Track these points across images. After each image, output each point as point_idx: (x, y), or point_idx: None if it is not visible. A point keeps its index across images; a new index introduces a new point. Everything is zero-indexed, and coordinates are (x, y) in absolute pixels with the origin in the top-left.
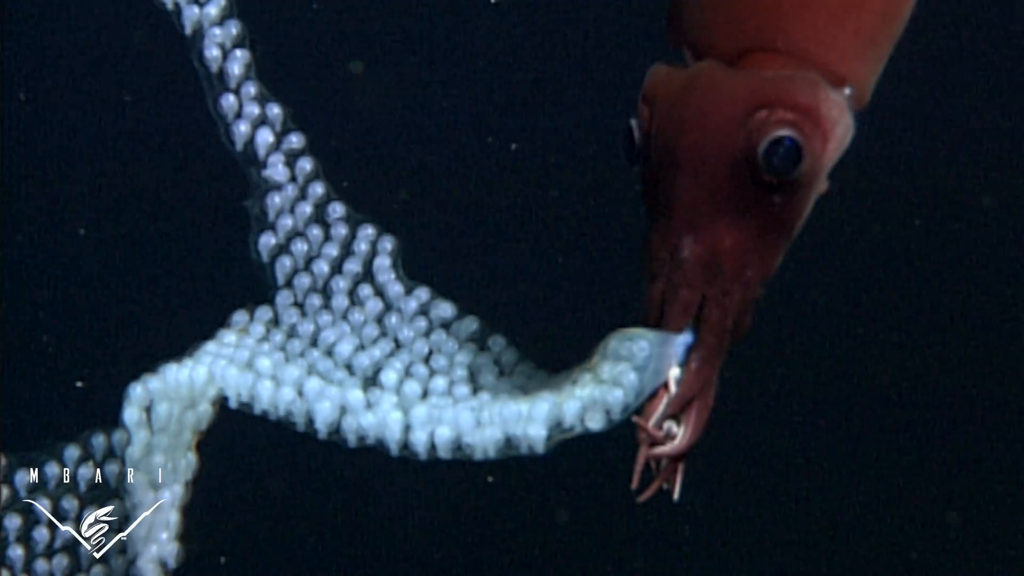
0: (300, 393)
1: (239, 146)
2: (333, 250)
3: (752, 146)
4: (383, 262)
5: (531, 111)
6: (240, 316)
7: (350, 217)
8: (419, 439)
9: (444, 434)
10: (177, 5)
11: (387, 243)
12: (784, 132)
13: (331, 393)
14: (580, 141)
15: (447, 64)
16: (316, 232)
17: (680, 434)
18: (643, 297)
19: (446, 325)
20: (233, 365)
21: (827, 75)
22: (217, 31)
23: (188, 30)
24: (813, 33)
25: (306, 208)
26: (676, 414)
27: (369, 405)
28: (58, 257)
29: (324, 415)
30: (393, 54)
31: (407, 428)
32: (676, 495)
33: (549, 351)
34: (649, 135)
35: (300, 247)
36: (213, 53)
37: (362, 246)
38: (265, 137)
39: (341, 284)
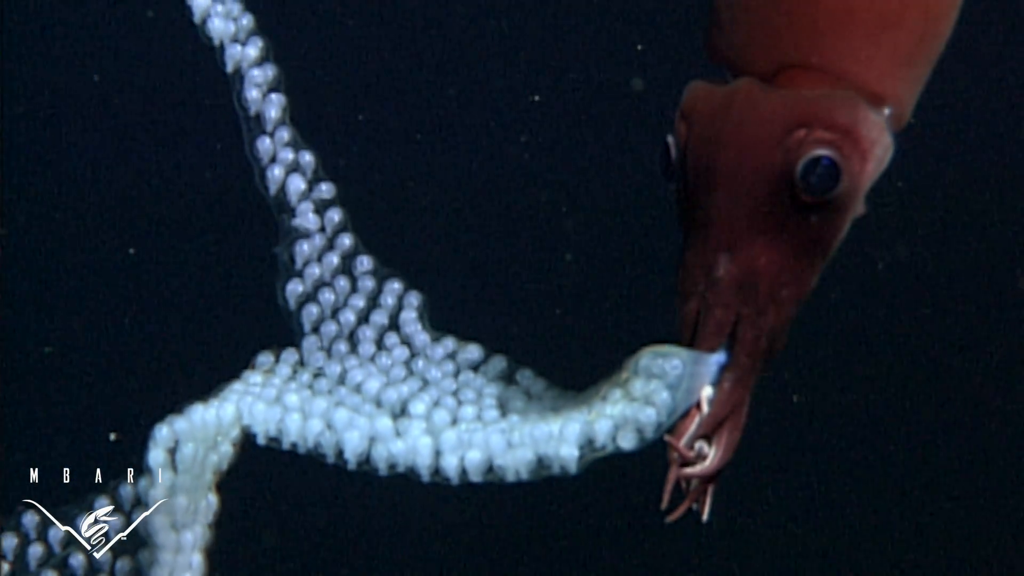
0: (328, 425)
1: (272, 191)
2: (360, 301)
3: (790, 165)
4: (409, 315)
5: (567, 126)
6: (265, 358)
7: (377, 271)
8: (450, 464)
9: (475, 457)
10: (222, 43)
11: (413, 298)
12: (822, 152)
13: (359, 423)
14: (615, 159)
15: (480, 76)
16: (343, 284)
17: (711, 455)
18: (677, 315)
19: (474, 367)
20: (260, 401)
21: (865, 94)
22: (256, 72)
23: (230, 69)
24: (850, 52)
25: (333, 259)
26: (708, 434)
27: (398, 433)
28: (78, 297)
29: (353, 445)
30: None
31: (437, 453)
32: (705, 516)
33: (575, 370)
34: (686, 152)
35: (327, 296)
36: (252, 95)
37: (388, 300)
38: (297, 184)
39: (368, 333)
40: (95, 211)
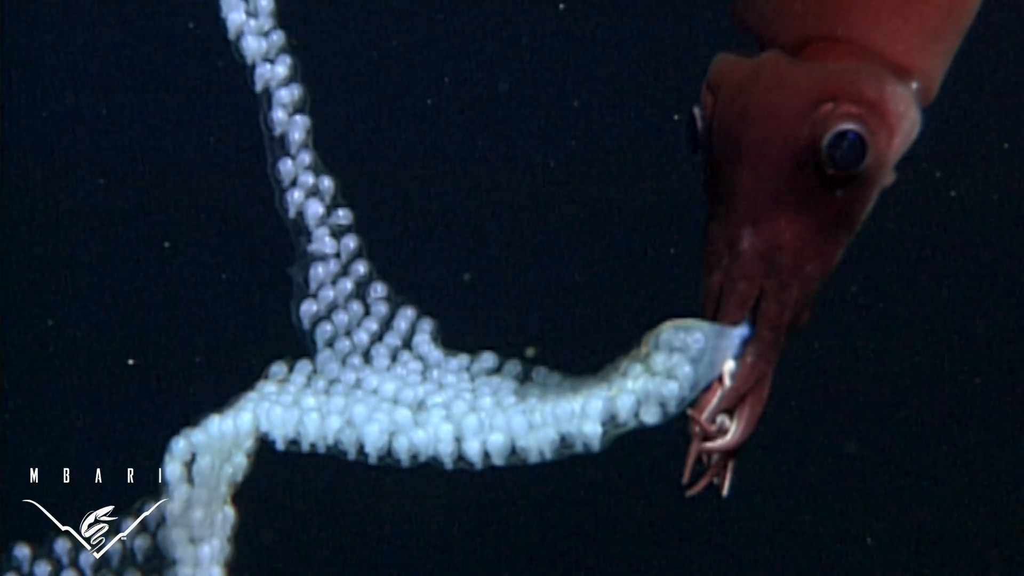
0: (348, 421)
1: (291, 213)
2: (373, 324)
3: (816, 139)
4: (423, 338)
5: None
6: (279, 368)
7: (391, 297)
8: (472, 448)
9: (497, 440)
10: (254, 62)
11: (426, 324)
12: (849, 126)
13: (379, 416)
14: (636, 136)
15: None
16: (356, 308)
17: (733, 429)
18: (700, 288)
19: (489, 373)
20: (278, 405)
21: (892, 67)
22: (284, 93)
23: (259, 87)
24: (877, 24)
25: (347, 284)
26: (730, 408)
27: (418, 423)
28: (89, 311)
29: (374, 438)
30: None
31: (459, 440)
32: (725, 491)
33: (586, 351)
34: (712, 124)
35: (341, 317)
36: (279, 115)
37: (402, 324)
38: (315, 209)
39: (381, 350)
40: (104, 215)
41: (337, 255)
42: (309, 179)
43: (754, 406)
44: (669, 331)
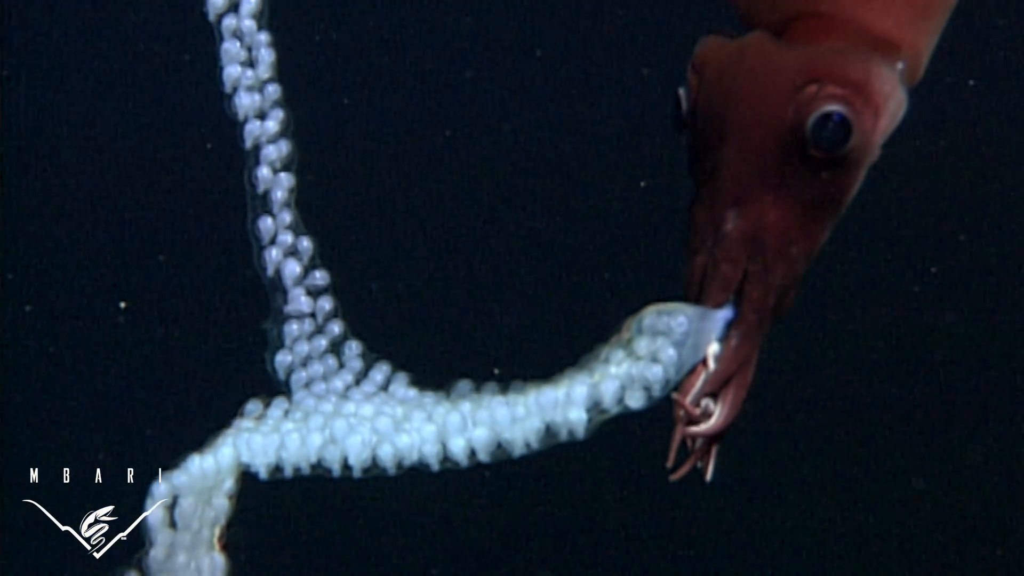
0: (329, 437)
1: (269, 271)
2: (348, 376)
3: (801, 121)
4: (399, 384)
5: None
6: (254, 406)
7: (366, 355)
8: (458, 446)
9: (482, 435)
10: (246, 117)
11: (402, 377)
12: (834, 107)
13: (360, 428)
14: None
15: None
16: (331, 362)
17: (717, 412)
18: (684, 270)
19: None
20: (257, 433)
21: (879, 46)
22: (271, 149)
23: (248, 144)
24: (865, 1)
25: (322, 343)
26: (714, 392)
27: (399, 429)
28: (89, 311)
29: (357, 450)
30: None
31: (443, 439)
32: (709, 476)
33: (569, 342)
34: (696, 105)
35: (316, 368)
36: (263, 173)
37: (377, 377)
38: (292, 268)
39: (357, 396)
40: (105, 213)
41: (313, 315)
42: (288, 239)
43: (738, 389)
44: (652, 315)
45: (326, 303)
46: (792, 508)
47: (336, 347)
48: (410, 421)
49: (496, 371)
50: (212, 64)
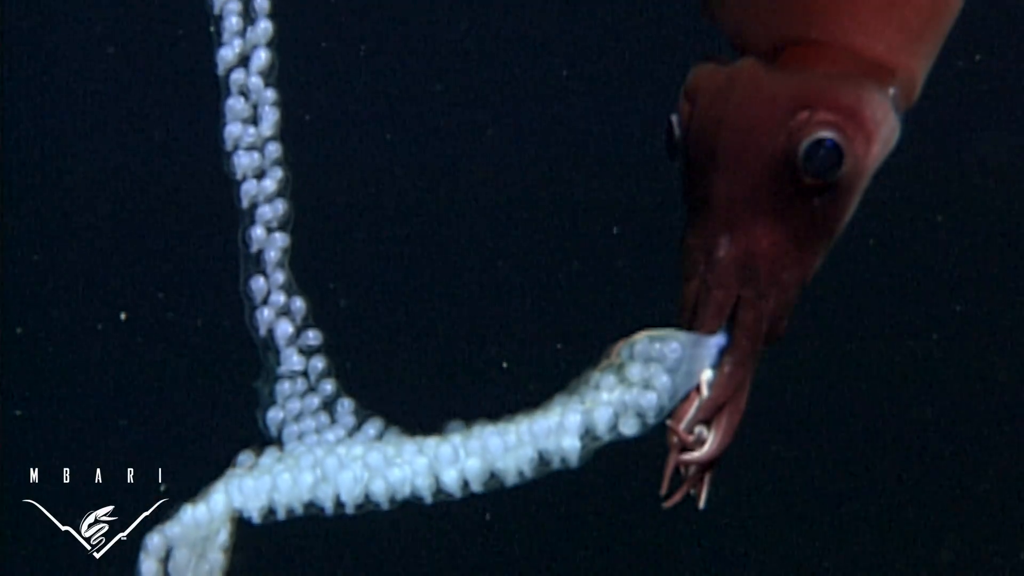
0: (321, 475)
1: (261, 331)
2: (340, 431)
3: (792, 147)
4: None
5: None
6: (246, 456)
7: (358, 412)
8: (450, 478)
9: (475, 466)
10: (244, 177)
11: (394, 432)
12: (825, 133)
13: (351, 464)
14: (612, 135)
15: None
16: (323, 419)
17: (710, 440)
18: (678, 296)
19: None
20: (248, 477)
21: (872, 71)
22: (267, 209)
23: (244, 204)
24: (858, 27)
25: (314, 401)
26: (708, 419)
27: (390, 463)
28: (90, 311)
29: (349, 486)
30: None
31: (436, 471)
32: (702, 503)
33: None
34: (689, 132)
35: (308, 423)
36: (257, 233)
37: (370, 431)
38: (285, 328)
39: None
40: (106, 212)
41: (305, 374)
42: (281, 299)
43: (732, 416)
44: (644, 341)
45: (319, 362)
46: (787, 536)
47: (329, 405)
48: (401, 455)
49: (504, 364)
50: (214, 88)
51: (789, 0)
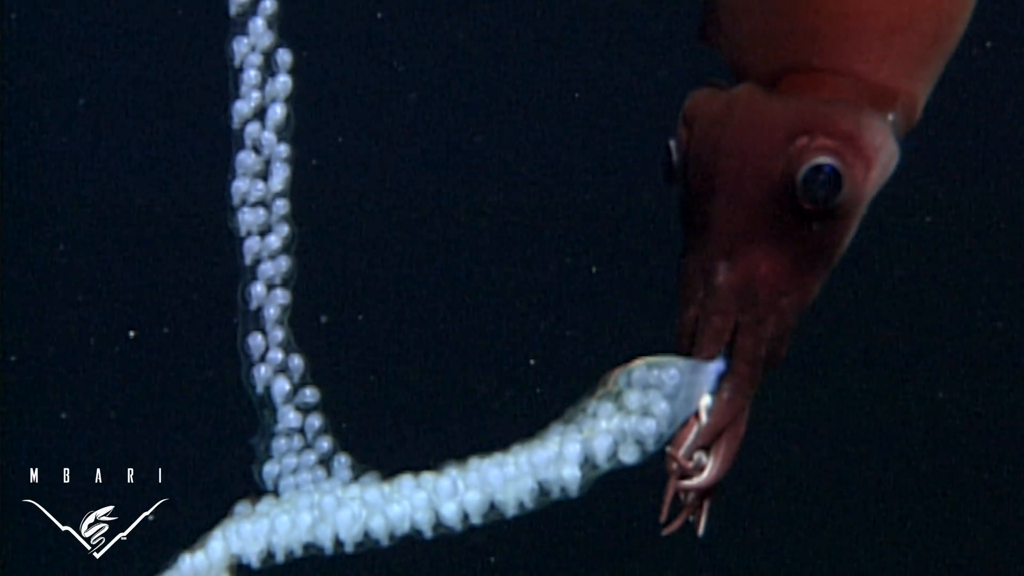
0: (320, 516)
1: (258, 389)
2: (337, 484)
3: (791, 173)
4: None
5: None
6: (243, 507)
7: (355, 467)
8: (450, 511)
9: (474, 498)
10: (248, 233)
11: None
12: (824, 159)
13: (348, 502)
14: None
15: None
16: (320, 474)
17: (709, 466)
18: (676, 321)
19: None
20: (245, 521)
21: (874, 96)
22: (269, 266)
23: (247, 261)
24: (860, 54)
25: (311, 458)
26: (707, 445)
27: (389, 499)
28: (90, 311)
29: (348, 524)
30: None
31: (435, 505)
32: (701, 530)
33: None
34: (687, 157)
35: (305, 476)
36: (257, 290)
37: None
38: (282, 386)
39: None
40: (106, 212)
41: (301, 431)
42: (279, 356)
43: (731, 442)
44: (642, 369)
45: (316, 420)
46: (787, 562)
47: (326, 462)
48: (399, 490)
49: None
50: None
51: (790, 27)
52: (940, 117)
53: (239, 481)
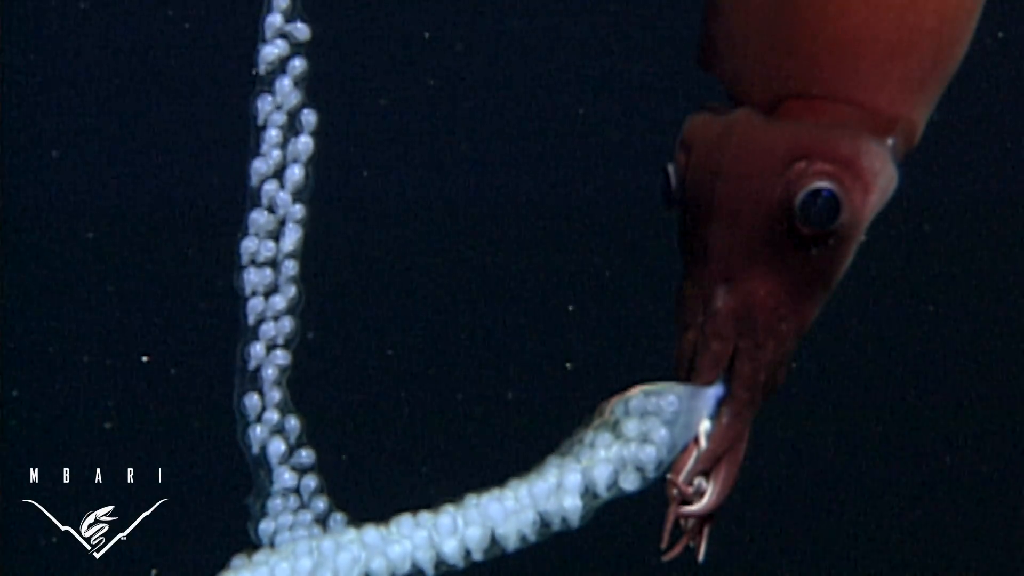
0: (319, 560)
1: (254, 449)
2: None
3: (789, 198)
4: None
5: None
6: (239, 560)
7: (351, 523)
8: (451, 548)
9: (475, 534)
10: (253, 293)
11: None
12: (822, 184)
13: (348, 545)
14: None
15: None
16: (316, 531)
17: (709, 492)
18: (675, 347)
19: None
20: (244, 569)
21: (873, 123)
22: (270, 327)
23: (251, 321)
24: (859, 81)
25: (307, 517)
26: (706, 470)
27: (388, 540)
28: (90, 311)
29: (348, 567)
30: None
31: (436, 543)
32: (701, 556)
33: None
34: (685, 182)
35: (301, 533)
36: (256, 350)
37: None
38: (278, 447)
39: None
40: (107, 213)
41: (297, 491)
42: (275, 416)
43: (730, 467)
44: (639, 397)
45: (311, 481)
46: None
47: (321, 521)
48: (399, 530)
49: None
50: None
51: (789, 54)
52: (940, 120)
53: (240, 480)
